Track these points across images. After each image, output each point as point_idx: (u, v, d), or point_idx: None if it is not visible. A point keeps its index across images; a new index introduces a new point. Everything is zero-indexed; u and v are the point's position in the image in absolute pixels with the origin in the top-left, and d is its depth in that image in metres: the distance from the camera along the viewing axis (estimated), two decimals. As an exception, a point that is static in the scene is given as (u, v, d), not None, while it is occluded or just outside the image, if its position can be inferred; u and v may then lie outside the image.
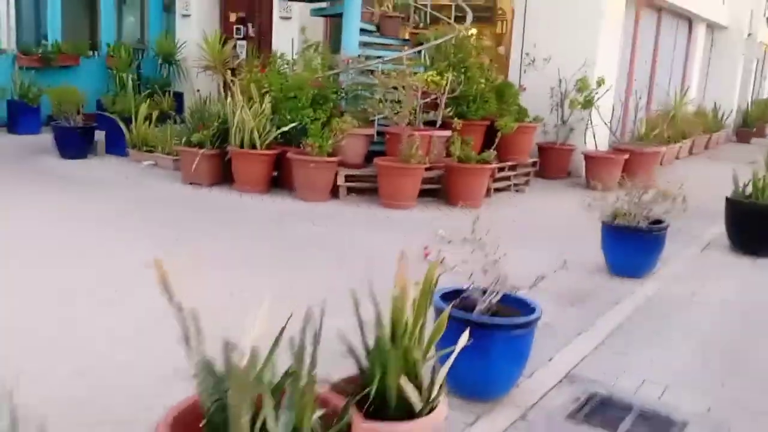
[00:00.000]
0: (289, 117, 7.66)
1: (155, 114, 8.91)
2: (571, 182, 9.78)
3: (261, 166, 7.62)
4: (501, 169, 8.56)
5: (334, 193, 7.68)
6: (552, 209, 8.09)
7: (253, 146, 7.62)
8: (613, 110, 10.21)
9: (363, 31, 9.72)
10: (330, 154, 7.54)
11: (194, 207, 7.05)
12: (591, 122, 9.65)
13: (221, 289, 4.43)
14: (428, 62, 8.84)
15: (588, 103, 9.55)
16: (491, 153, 7.91)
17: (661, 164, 11.55)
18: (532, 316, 3.19)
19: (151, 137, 8.82)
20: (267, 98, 7.73)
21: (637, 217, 5.37)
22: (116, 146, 9.32)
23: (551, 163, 10.02)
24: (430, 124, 8.23)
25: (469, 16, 9.53)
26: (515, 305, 3.30)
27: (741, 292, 5.42)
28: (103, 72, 12.17)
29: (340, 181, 7.66)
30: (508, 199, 8.39)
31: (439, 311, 2.90)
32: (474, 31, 9.35)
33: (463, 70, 8.48)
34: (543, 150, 10.05)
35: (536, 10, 10.23)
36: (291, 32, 12.22)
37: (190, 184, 7.86)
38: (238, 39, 13.31)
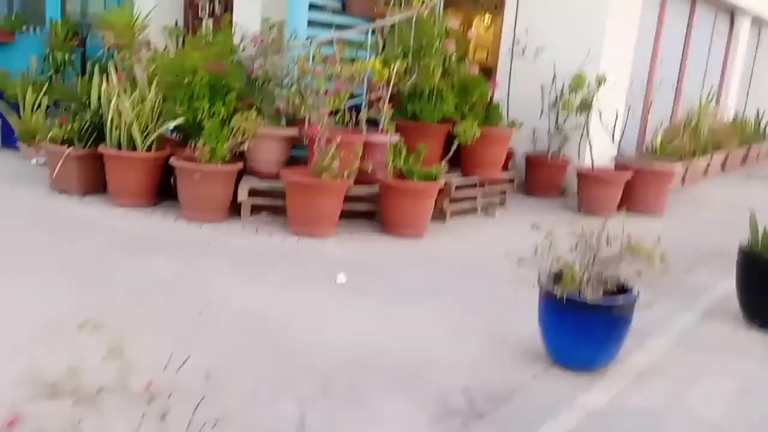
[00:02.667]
0: (180, 109, 5.98)
1: (44, 101, 7.32)
2: (563, 203, 7.89)
3: (141, 172, 5.95)
4: (460, 188, 6.74)
5: (237, 211, 5.99)
6: (517, 243, 6.24)
7: (134, 146, 5.97)
8: (625, 116, 8.26)
9: (318, 7, 8.02)
10: (230, 161, 5.85)
11: (30, 224, 5.42)
12: (587, 130, 7.74)
13: None
14: (380, 48, 7.04)
15: (584, 106, 7.63)
16: (440, 167, 6.10)
17: (682, 183, 9.55)
18: None
19: (41, 129, 7.23)
20: (154, 84, 6.06)
21: (592, 283, 3.54)
22: (11, 138, 7.81)
23: (541, 178, 8.14)
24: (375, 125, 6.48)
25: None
26: None
27: (747, 401, 3.53)
28: (42, 51, 10.68)
29: (242, 196, 5.95)
30: (466, 226, 6.55)
31: None
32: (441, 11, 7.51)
33: (420, 58, 6.68)
34: (531, 162, 8.18)
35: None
36: (254, 8, 10.57)
37: (59, 191, 6.26)
38: (205, 18, 11.71)
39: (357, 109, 6.50)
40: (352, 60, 6.60)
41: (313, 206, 5.59)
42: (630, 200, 7.60)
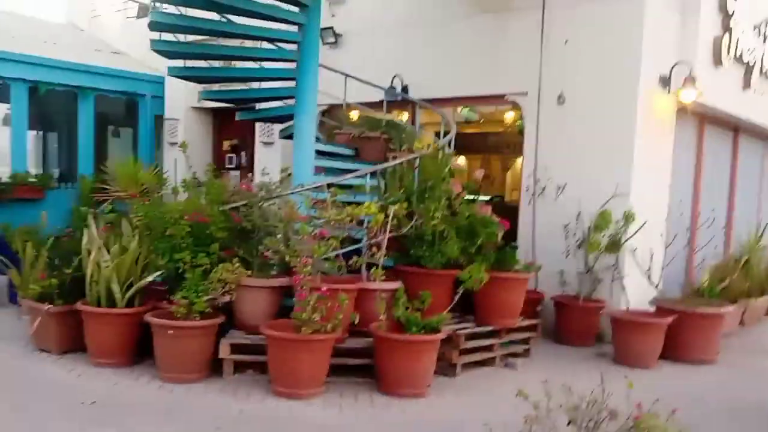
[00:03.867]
0: (162, 262, 5.64)
1: (42, 255, 7.15)
2: (598, 352, 7.02)
3: (118, 329, 5.51)
4: (473, 337, 6.05)
5: (221, 369, 5.44)
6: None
7: (113, 302, 5.61)
8: (664, 254, 7.53)
9: (330, 155, 7.87)
10: (209, 315, 5.39)
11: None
12: (617, 270, 7.01)
13: None
14: (382, 191, 6.69)
15: (613, 245, 6.97)
16: (443, 316, 5.47)
17: (741, 325, 8.54)
18: None
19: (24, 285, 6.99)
20: (136, 237, 5.78)
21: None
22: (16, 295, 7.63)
23: (572, 324, 7.33)
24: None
25: (452, 132, 7.45)
26: None
27: None
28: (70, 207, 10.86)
29: (224, 352, 5.42)
30: (480, 381, 5.77)
31: None
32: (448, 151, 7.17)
33: (423, 200, 6.27)
34: (560, 306, 7.42)
35: (550, 122, 7.98)
36: (274, 159, 10.59)
37: (39, 349, 5.88)
38: (230, 168, 11.84)
39: (359, 254, 6.06)
40: (351, 204, 6.22)
41: (294, 364, 5.00)
42: (674, 348, 6.71)
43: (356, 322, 5.13)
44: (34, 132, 12.50)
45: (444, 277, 5.97)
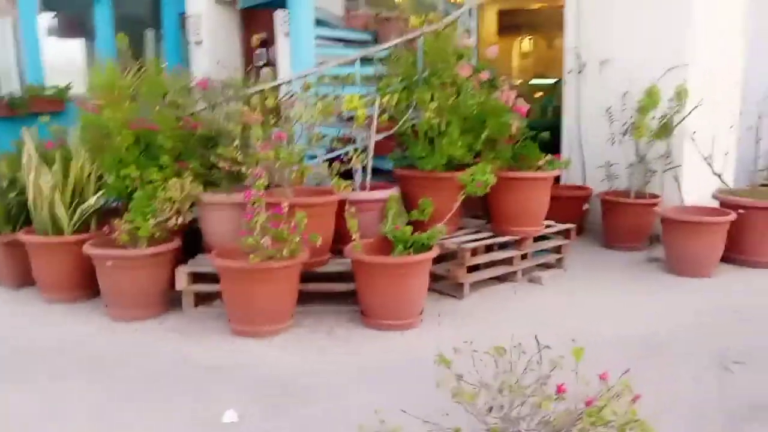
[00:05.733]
0: (110, 179, 4.83)
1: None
2: (650, 257, 5.85)
3: (64, 261, 4.79)
4: (487, 250, 5.03)
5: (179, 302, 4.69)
6: (559, 323, 4.35)
7: (59, 229, 4.88)
8: (739, 136, 6.10)
9: (344, 41, 6.78)
10: (164, 240, 4.59)
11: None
12: (671, 160, 5.69)
13: None
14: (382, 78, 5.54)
15: (664, 131, 5.63)
16: (439, 228, 4.43)
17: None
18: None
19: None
20: (82, 152, 4.96)
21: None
22: None
23: (621, 225, 6.14)
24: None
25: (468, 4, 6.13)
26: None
27: None
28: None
29: (181, 283, 4.63)
30: (490, 305, 4.75)
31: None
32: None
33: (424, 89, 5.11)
34: (607, 205, 6.21)
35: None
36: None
37: (-3, 286, 5.31)
38: (261, 66, 10.80)
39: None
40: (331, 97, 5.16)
41: (249, 297, 4.14)
42: (740, 250, 5.47)
43: (318, 244, 4.17)
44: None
45: (445, 180, 4.89)
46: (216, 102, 4.94)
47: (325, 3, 7.80)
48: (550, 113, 8.37)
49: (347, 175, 5.02)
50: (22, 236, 4.85)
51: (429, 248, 4.37)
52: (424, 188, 4.96)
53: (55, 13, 12.25)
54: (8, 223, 5.09)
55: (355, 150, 4.83)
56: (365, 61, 6.03)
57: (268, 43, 10.79)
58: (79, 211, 4.83)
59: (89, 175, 5.00)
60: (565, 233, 5.58)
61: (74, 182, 4.90)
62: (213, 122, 4.84)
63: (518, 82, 10.34)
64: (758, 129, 5.70)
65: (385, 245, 4.48)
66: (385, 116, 5.02)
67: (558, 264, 5.55)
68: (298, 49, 6.06)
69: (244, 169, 4.46)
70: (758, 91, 5.71)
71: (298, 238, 4.04)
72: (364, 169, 4.89)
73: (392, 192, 4.83)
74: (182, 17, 10.98)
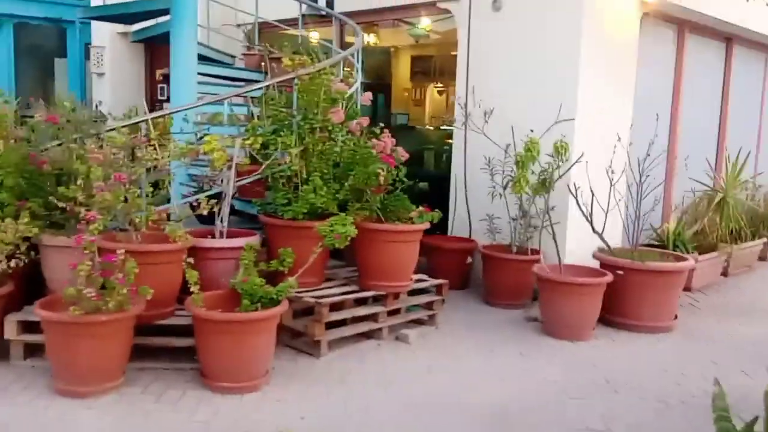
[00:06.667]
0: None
1: None
2: (528, 316, 5.74)
3: None
4: (356, 303, 4.84)
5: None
6: (413, 392, 4.14)
7: None
8: (629, 193, 6.12)
9: (231, 79, 6.59)
10: (-7, 284, 4.23)
11: None
12: (550, 216, 5.64)
13: None
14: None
15: (543, 186, 5.58)
16: (286, 284, 4.20)
17: (724, 275, 7.15)
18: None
19: None
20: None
21: None
22: None
23: (501, 280, 6.04)
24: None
25: (357, 45, 6.03)
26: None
27: None
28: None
29: (10, 332, 4.26)
30: (346, 366, 4.51)
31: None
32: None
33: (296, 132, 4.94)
34: (488, 260, 6.11)
35: (484, 32, 6.50)
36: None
37: None
38: (164, 100, 10.52)
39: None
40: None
41: (71, 353, 3.82)
42: (619, 312, 5.43)
43: (148, 297, 3.88)
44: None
45: (305, 230, 4.68)
46: (67, 139, 4.63)
47: (222, 40, 7.63)
48: (445, 163, 8.32)
49: (211, 219, 4.79)
50: None
51: (278, 303, 4.14)
52: (286, 237, 4.75)
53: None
54: None
55: (206, 195, 4.57)
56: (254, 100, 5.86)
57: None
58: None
59: None
60: (438, 288, 5.42)
61: None
62: (61, 160, 4.52)
63: (430, 128, 10.34)
64: (639, 188, 5.70)
65: (235, 298, 4.23)
66: (246, 159, 4.81)
67: (429, 321, 5.38)
68: (177, 85, 5.84)
69: (84, 211, 4.15)
70: (642, 151, 5.73)
71: (125, 290, 3.74)
72: (220, 214, 4.64)
73: (249, 240, 4.59)
74: (87, 47, 10.67)
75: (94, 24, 10.19)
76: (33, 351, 4.34)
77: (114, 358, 3.92)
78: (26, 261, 4.31)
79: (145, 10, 6.91)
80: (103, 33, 10.28)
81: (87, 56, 10.79)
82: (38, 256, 4.43)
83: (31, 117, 4.91)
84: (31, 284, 4.62)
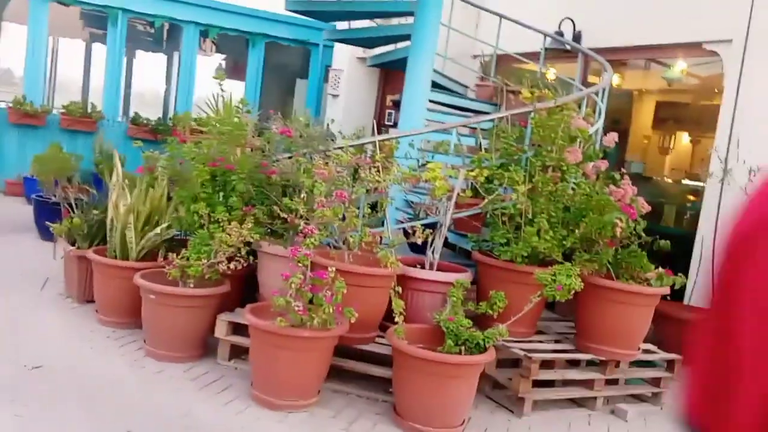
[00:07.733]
0: (182, 212, 4.74)
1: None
2: None
3: (120, 285, 4.70)
4: (547, 365, 4.31)
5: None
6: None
7: (127, 253, 4.84)
8: None
9: (462, 109, 6.51)
10: (211, 283, 4.38)
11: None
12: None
13: None
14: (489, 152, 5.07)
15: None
16: (499, 330, 3.84)
17: None
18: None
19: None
20: (162, 181, 4.93)
21: None
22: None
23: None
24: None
25: (604, 82, 5.54)
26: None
27: None
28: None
29: (220, 331, 4.37)
30: (552, 430, 4.03)
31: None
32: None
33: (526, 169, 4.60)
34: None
35: (758, 79, 5.66)
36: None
37: (66, 295, 5.34)
38: (389, 126, 10.75)
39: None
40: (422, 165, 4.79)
41: (270, 363, 3.78)
42: None
43: (353, 320, 3.72)
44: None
45: (523, 275, 4.28)
46: (298, 152, 4.72)
47: (456, 69, 7.51)
48: (688, 220, 7.40)
49: (422, 248, 4.60)
50: (89, 253, 4.85)
51: (484, 349, 3.78)
52: (500, 279, 4.38)
53: (225, 55, 13.13)
54: (86, 238, 5.15)
55: (422, 223, 4.36)
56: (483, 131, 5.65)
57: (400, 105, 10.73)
58: (145, 238, 4.77)
59: (157, 206, 4.95)
60: (669, 364, 4.70)
61: (150, 209, 4.87)
62: (289, 172, 4.61)
63: (669, 180, 9.39)
64: None
65: (438, 335, 3.96)
66: (468, 191, 4.54)
67: (653, 399, 4.67)
68: (407, 110, 5.78)
69: (303, 224, 4.15)
70: None
71: (331, 309, 3.63)
72: (432, 244, 4.42)
73: (460, 277, 4.29)
74: (327, 69, 11.25)
75: (337, 48, 10.74)
76: (238, 353, 4.42)
77: (311, 375, 3.82)
78: (245, 264, 4.41)
79: (388, 35, 7.01)
80: (342, 56, 10.79)
81: (326, 78, 11.41)
82: (256, 261, 4.53)
83: (269, 129, 5.12)
84: (246, 287, 4.75)
